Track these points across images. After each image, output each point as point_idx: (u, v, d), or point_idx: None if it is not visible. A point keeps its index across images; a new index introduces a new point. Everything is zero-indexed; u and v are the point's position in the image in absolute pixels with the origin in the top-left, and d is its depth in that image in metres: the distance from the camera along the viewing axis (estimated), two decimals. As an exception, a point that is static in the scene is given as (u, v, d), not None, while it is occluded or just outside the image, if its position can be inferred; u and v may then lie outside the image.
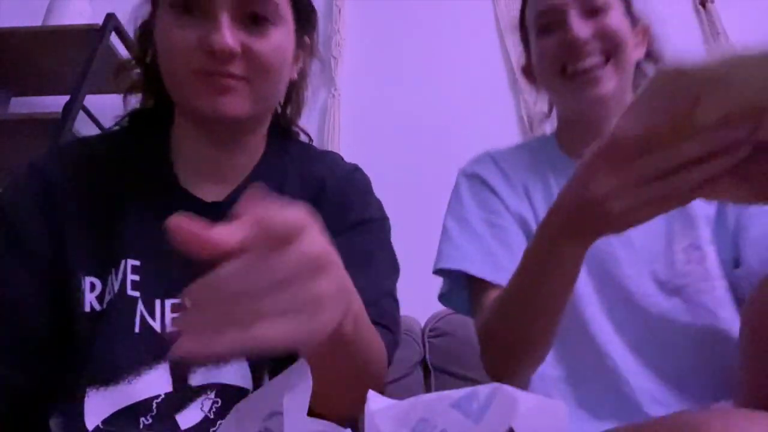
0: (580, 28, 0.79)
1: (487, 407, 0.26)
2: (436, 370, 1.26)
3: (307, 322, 0.33)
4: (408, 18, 2.01)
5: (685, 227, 0.77)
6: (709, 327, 0.73)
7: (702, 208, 0.79)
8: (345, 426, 0.37)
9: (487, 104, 1.87)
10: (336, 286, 0.35)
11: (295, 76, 0.73)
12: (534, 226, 0.83)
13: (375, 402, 0.28)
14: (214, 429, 0.57)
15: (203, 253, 0.32)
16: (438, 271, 0.86)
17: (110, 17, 1.59)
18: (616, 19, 0.81)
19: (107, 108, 1.81)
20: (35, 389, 0.58)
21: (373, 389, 0.60)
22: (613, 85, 0.80)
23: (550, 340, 0.67)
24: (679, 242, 0.77)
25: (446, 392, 0.29)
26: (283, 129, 0.78)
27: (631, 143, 0.43)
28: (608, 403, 0.72)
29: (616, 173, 0.44)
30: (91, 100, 1.56)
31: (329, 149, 1.79)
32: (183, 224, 0.32)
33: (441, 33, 1.98)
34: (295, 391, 0.35)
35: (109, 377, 0.56)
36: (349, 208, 0.70)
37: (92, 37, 1.57)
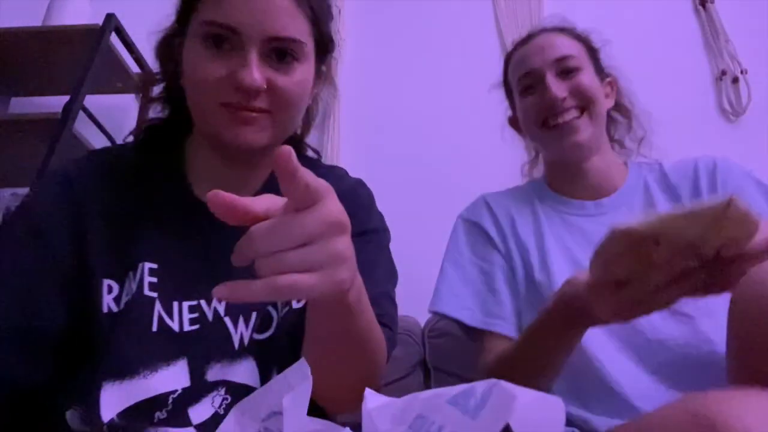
0: (558, 88, 0.94)
1: (484, 403, 0.26)
2: (436, 371, 1.26)
3: (329, 275, 0.39)
4: (408, 18, 2.01)
5: None
6: (698, 322, 0.79)
7: None
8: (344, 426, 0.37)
9: (487, 104, 1.87)
10: (351, 247, 0.41)
11: (310, 101, 0.76)
12: (518, 259, 0.96)
13: (372, 400, 0.28)
14: None
15: (236, 218, 0.39)
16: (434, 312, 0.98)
17: (110, 17, 1.59)
18: (587, 78, 0.96)
19: (107, 108, 1.82)
20: (48, 383, 0.59)
21: (373, 379, 0.60)
22: (588, 133, 0.95)
23: (556, 376, 0.78)
24: None
25: (443, 389, 0.29)
26: (292, 146, 0.80)
27: (609, 284, 0.57)
28: (598, 398, 0.78)
29: (608, 300, 0.59)
30: (91, 100, 1.56)
31: (329, 150, 1.80)
32: (219, 195, 0.39)
33: (441, 34, 1.98)
34: (295, 391, 0.35)
35: (125, 371, 0.58)
36: (353, 219, 0.73)
37: (92, 37, 1.57)
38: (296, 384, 0.36)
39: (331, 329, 0.53)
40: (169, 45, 0.72)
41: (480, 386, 0.28)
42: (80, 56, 1.56)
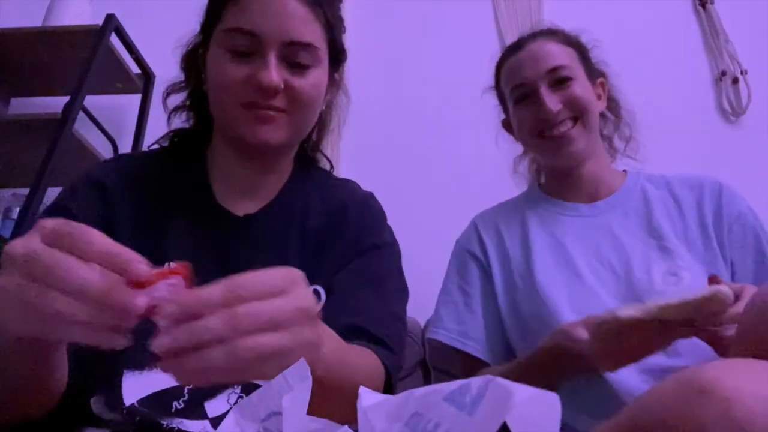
0: (552, 102, 0.95)
1: (480, 399, 0.26)
2: (436, 371, 1.25)
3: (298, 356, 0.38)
4: (408, 20, 2.01)
5: (661, 257, 0.90)
6: None
7: (676, 242, 0.92)
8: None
9: (487, 107, 1.87)
10: (320, 336, 0.42)
11: (324, 107, 0.81)
12: (497, 272, 1.00)
13: (367, 398, 0.28)
14: None
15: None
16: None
17: (110, 18, 1.59)
18: (579, 87, 0.97)
19: (107, 108, 1.82)
20: (79, 375, 0.61)
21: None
22: (583, 142, 0.97)
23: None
24: (657, 269, 0.88)
25: (438, 385, 0.29)
26: (307, 153, 0.87)
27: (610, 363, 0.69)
28: (595, 400, 0.79)
29: (612, 357, 0.68)
30: (91, 101, 1.56)
31: (328, 151, 1.79)
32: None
33: (441, 35, 1.98)
34: (294, 391, 0.35)
35: (145, 363, 0.61)
36: (366, 233, 0.78)
37: (92, 37, 1.57)
38: (295, 384, 0.36)
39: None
40: (194, 55, 0.78)
41: (476, 382, 0.27)
42: (80, 57, 1.55)
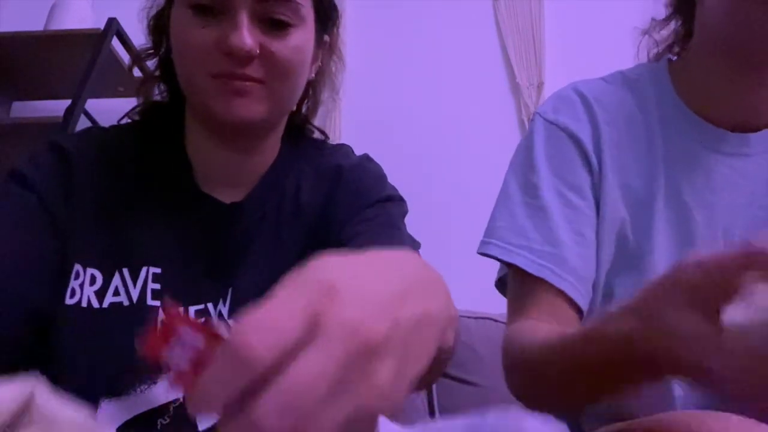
0: None
1: None
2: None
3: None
4: (408, 22, 2.02)
5: None
6: None
7: None
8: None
9: (488, 107, 1.87)
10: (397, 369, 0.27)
11: (313, 75, 0.70)
12: (613, 170, 0.65)
13: (386, 428, 0.28)
14: None
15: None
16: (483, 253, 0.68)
17: (112, 22, 1.60)
18: None
19: (108, 112, 1.82)
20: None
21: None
22: None
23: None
24: None
25: (455, 420, 0.29)
26: (297, 128, 0.75)
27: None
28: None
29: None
30: (93, 105, 1.57)
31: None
32: None
33: (441, 37, 1.99)
34: None
35: (122, 390, 0.54)
36: (366, 191, 0.69)
37: (94, 41, 1.57)
38: None
39: None
40: (161, 17, 0.67)
41: (489, 419, 0.27)
42: (82, 60, 1.56)
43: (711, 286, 0.36)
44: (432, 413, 1.22)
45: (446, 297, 0.36)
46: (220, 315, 0.61)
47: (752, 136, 0.65)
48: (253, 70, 0.57)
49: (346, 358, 0.25)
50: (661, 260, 0.62)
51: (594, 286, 0.64)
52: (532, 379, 0.57)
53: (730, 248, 0.36)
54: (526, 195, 0.66)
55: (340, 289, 0.27)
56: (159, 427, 0.56)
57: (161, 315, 0.26)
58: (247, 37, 0.55)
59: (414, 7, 2.03)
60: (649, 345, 0.40)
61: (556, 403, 0.57)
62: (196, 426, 0.57)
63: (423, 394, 1.24)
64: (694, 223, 0.63)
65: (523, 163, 0.69)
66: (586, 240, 0.63)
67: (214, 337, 0.27)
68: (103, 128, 0.71)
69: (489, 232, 0.68)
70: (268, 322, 0.25)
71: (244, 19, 0.56)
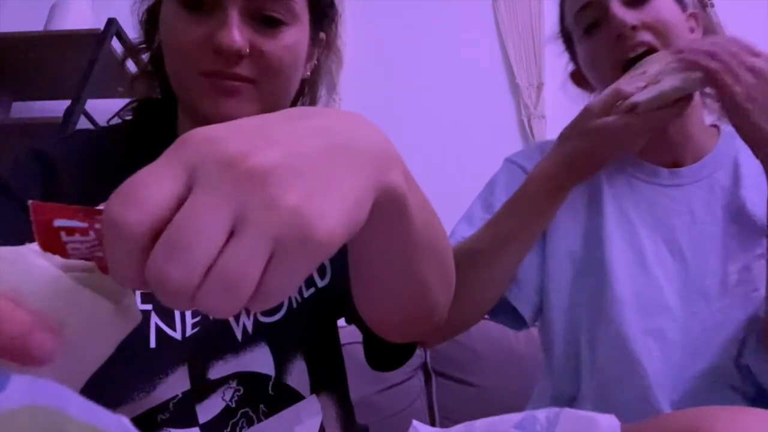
0: (624, 14, 0.73)
1: (553, 428, 0.26)
2: (436, 375, 1.26)
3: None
4: (408, 23, 2.02)
5: (740, 248, 0.74)
6: (751, 334, 0.69)
7: (761, 225, 0.74)
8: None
9: (488, 108, 1.87)
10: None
11: (308, 73, 0.68)
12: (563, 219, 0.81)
13: (422, 429, 0.27)
14: (234, 420, 0.55)
15: None
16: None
17: (112, 22, 1.60)
18: (664, 6, 0.76)
19: (108, 113, 1.81)
20: None
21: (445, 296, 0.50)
22: None
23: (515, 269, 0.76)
24: (733, 267, 0.74)
25: (499, 417, 0.29)
26: None
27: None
28: (632, 410, 0.67)
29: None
30: (93, 105, 1.57)
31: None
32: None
33: (441, 38, 1.99)
34: (304, 424, 0.35)
35: (119, 402, 0.52)
36: None
37: (93, 41, 1.57)
38: (306, 418, 0.36)
39: (378, 246, 0.39)
40: (153, 11, 0.65)
41: (541, 413, 0.27)
42: (82, 61, 1.56)
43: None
44: (432, 414, 1.22)
45: (380, 136, 0.35)
46: None
47: (683, 170, 0.80)
48: (244, 69, 0.56)
49: (231, 190, 0.24)
50: (615, 267, 0.75)
51: (550, 292, 0.78)
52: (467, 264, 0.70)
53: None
54: (485, 211, 0.82)
55: (221, 135, 0.26)
56: (159, 421, 0.55)
57: (33, 216, 0.25)
58: (236, 35, 0.54)
59: (414, 7, 2.03)
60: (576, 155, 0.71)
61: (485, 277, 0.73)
62: (196, 418, 0.56)
63: (423, 395, 1.24)
64: (642, 238, 0.76)
65: (486, 189, 0.88)
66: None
67: (94, 214, 0.26)
68: (91, 131, 0.70)
69: (450, 234, 0.81)
70: (135, 188, 0.24)
71: (234, 16, 0.54)
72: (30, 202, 0.26)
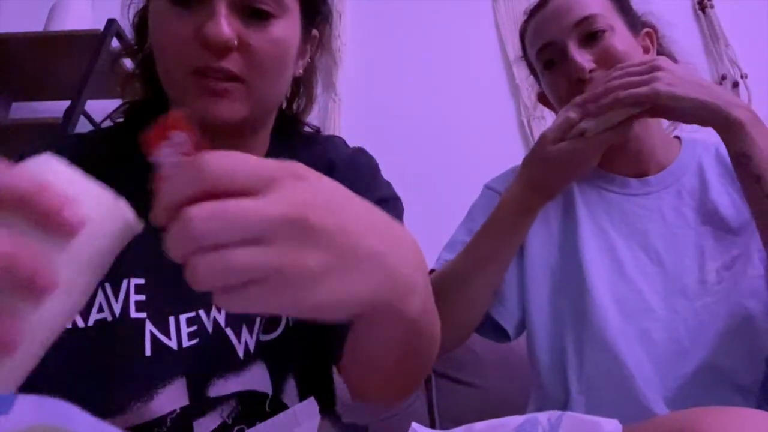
0: (583, 58, 0.80)
1: (556, 430, 0.26)
2: (436, 375, 1.25)
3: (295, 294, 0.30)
4: (408, 23, 2.02)
5: (716, 248, 0.78)
6: (738, 329, 0.72)
7: (735, 226, 0.79)
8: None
9: (488, 108, 1.87)
10: (339, 261, 0.31)
11: (300, 72, 0.67)
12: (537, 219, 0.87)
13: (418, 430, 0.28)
14: None
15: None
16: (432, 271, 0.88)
17: (111, 22, 1.59)
18: (617, 39, 0.81)
19: (108, 113, 1.82)
20: None
21: (425, 370, 0.53)
22: None
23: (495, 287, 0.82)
24: (711, 265, 0.77)
25: (498, 420, 0.29)
26: (287, 126, 0.73)
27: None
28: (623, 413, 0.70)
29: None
30: (92, 106, 1.56)
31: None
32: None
33: (441, 38, 1.99)
34: (302, 427, 0.34)
35: (117, 410, 0.52)
36: (359, 194, 0.67)
37: (93, 42, 1.57)
38: (303, 421, 0.35)
39: (381, 341, 0.44)
40: (145, 15, 0.65)
41: (543, 416, 0.27)
42: (82, 61, 1.56)
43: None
44: (432, 414, 1.21)
45: (412, 267, 0.38)
46: (216, 322, 0.58)
47: (651, 178, 0.85)
48: (232, 63, 0.55)
49: (280, 219, 0.29)
50: (594, 276, 0.79)
51: (531, 306, 0.83)
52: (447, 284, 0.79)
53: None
54: (466, 236, 0.86)
55: (308, 177, 0.32)
56: None
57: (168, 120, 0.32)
58: (224, 26, 0.53)
59: (414, 7, 2.03)
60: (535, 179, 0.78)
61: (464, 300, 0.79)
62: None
63: (423, 396, 1.24)
64: (618, 246, 0.81)
65: (468, 216, 0.94)
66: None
67: (200, 146, 0.32)
68: (80, 135, 0.69)
69: (435, 260, 0.89)
70: (236, 158, 0.29)
71: (221, 8, 0.54)
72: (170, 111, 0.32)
